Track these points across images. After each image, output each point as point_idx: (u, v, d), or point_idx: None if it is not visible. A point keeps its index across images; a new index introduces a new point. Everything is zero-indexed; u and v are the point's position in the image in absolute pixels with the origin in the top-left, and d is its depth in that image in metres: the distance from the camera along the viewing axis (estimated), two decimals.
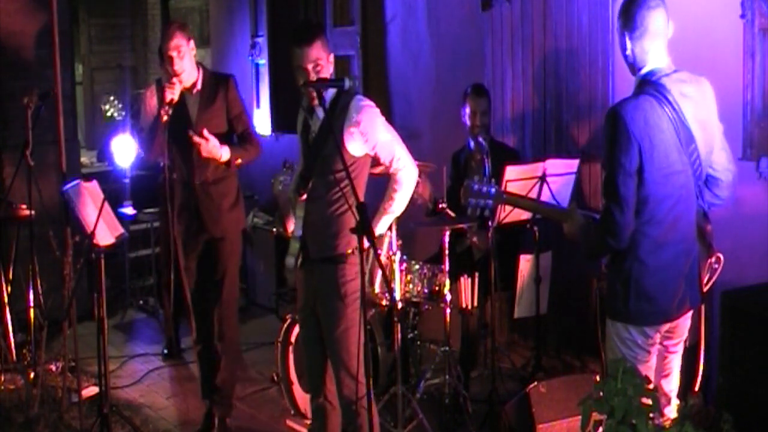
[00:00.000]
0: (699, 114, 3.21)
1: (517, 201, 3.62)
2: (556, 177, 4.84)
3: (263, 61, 7.94)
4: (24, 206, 5.21)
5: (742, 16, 4.46)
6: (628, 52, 3.22)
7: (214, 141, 4.40)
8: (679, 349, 3.41)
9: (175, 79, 4.42)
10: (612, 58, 5.23)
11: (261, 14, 7.94)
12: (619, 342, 3.25)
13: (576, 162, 5.03)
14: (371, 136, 3.61)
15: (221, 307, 4.67)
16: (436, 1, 6.36)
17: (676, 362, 3.42)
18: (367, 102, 3.66)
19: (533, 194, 4.72)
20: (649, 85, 3.17)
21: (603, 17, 5.25)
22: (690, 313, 3.34)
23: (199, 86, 4.56)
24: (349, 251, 3.62)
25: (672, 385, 3.45)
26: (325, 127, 3.59)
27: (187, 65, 4.47)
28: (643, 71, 3.21)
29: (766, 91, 4.44)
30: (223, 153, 4.45)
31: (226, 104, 4.58)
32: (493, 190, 3.37)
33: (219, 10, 8.62)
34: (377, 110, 3.66)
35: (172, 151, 4.60)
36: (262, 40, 7.95)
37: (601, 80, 5.31)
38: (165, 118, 4.37)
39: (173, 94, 4.38)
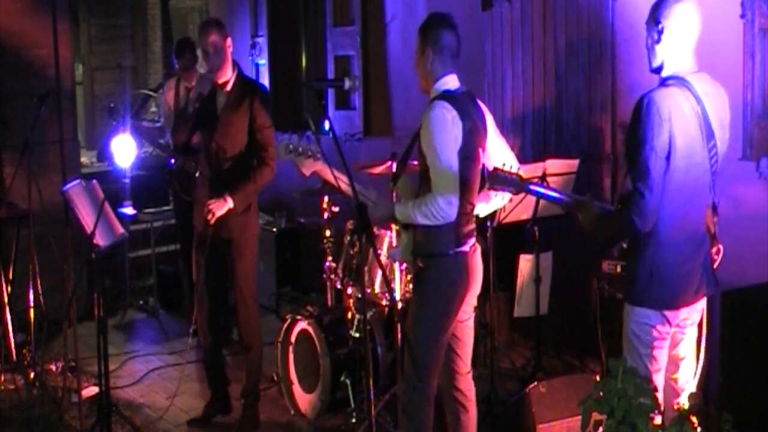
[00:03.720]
0: (718, 113, 3.31)
1: (535, 192, 3.60)
2: (556, 177, 4.84)
3: (263, 61, 7.94)
4: (24, 206, 5.22)
5: (742, 16, 4.46)
6: (659, 45, 3.29)
7: (215, 207, 4.53)
8: (691, 333, 3.47)
9: (206, 74, 4.72)
10: (612, 58, 5.24)
11: (261, 14, 7.94)
12: (637, 328, 3.32)
13: (576, 162, 5.03)
14: (422, 137, 3.59)
15: (240, 308, 4.78)
16: (436, 1, 6.35)
17: (688, 347, 3.48)
18: (438, 105, 3.56)
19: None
20: (674, 80, 3.26)
21: (603, 17, 5.25)
22: (704, 300, 3.43)
23: (229, 87, 4.65)
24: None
25: (685, 372, 3.50)
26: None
27: (221, 62, 4.59)
28: (669, 70, 3.29)
29: (766, 91, 4.45)
30: (229, 205, 4.56)
31: (250, 113, 4.60)
32: (513, 178, 3.42)
33: (219, 10, 8.62)
34: (436, 114, 3.54)
35: (200, 142, 4.80)
36: (262, 40, 7.95)
37: (601, 80, 5.32)
38: (190, 109, 4.71)
39: (201, 88, 4.68)
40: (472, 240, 3.73)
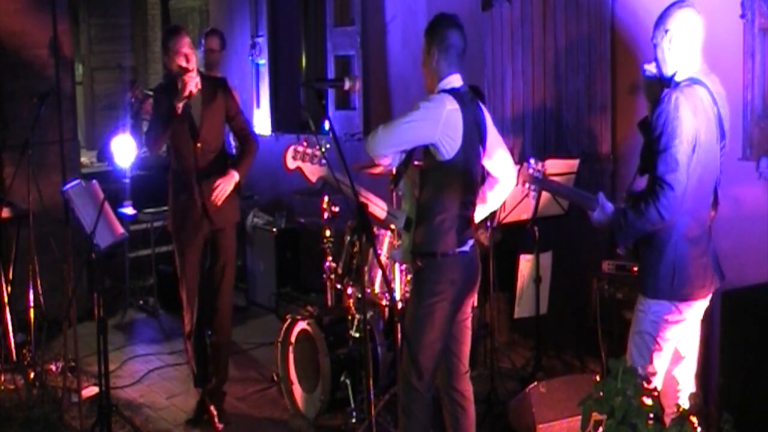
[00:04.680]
0: (727, 115, 3.45)
1: (555, 189, 3.80)
2: (556, 177, 4.84)
3: (263, 61, 7.94)
4: (24, 206, 5.22)
5: (742, 16, 4.46)
6: (670, 52, 3.38)
7: (225, 183, 4.69)
8: (695, 329, 3.55)
9: (191, 74, 4.64)
10: (612, 58, 5.23)
11: (261, 14, 7.94)
12: (652, 321, 3.40)
13: (576, 162, 5.03)
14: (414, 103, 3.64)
15: (221, 298, 4.87)
16: (437, 1, 6.35)
17: (691, 345, 3.56)
18: (442, 95, 3.61)
19: (533, 194, 4.71)
20: (692, 81, 3.35)
21: (603, 17, 5.25)
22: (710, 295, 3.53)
23: (198, 86, 4.72)
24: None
25: (685, 370, 3.57)
26: None
27: (194, 65, 4.73)
28: (684, 74, 3.37)
29: (766, 91, 4.45)
30: (236, 178, 4.74)
31: (225, 104, 4.82)
32: (539, 175, 3.57)
33: (219, 10, 8.62)
34: (437, 99, 3.58)
35: (171, 148, 4.86)
36: (262, 40, 7.95)
37: (601, 80, 5.32)
38: (180, 110, 4.61)
39: (192, 87, 4.60)
40: (472, 241, 3.74)
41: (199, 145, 4.71)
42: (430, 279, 3.64)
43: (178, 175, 4.81)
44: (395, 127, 3.55)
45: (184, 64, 4.66)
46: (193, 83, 4.60)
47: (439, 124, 3.53)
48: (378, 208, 3.83)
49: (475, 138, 3.64)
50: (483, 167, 3.78)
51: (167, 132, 4.70)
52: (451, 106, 3.55)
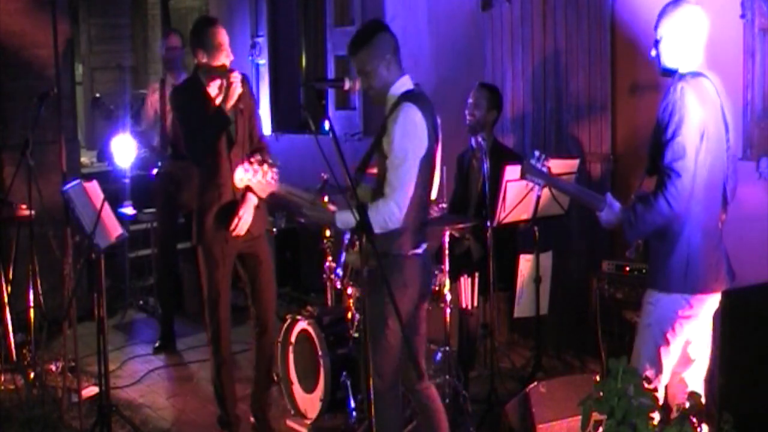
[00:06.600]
0: (729, 112, 3.45)
1: (562, 187, 3.81)
2: (557, 177, 4.83)
3: (263, 61, 7.94)
4: (24, 206, 5.22)
5: (742, 16, 4.46)
6: (673, 45, 3.39)
7: (245, 212, 4.41)
8: (706, 330, 3.54)
9: (236, 73, 4.36)
10: (612, 58, 5.23)
11: (261, 14, 7.94)
12: (663, 316, 3.38)
13: (576, 162, 5.02)
14: (390, 138, 3.50)
15: (267, 309, 4.68)
16: (437, 1, 6.35)
17: (701, 347, 3.56)
18: (407, 108, 3.49)
19: (533, 194, 4.72)
20: (696, 74, 3.36)
21: (603, 17, 5.25)
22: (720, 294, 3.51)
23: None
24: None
25: (695, 372, 3.58)
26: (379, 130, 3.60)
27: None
28: (687, 68, 3.37)
29: (766, 91, 4.45)
30: (254, 201, 4.43)
31: (249, 105, 4.53)
32: (545, 170, 3.57)
33: (219, 10, 8.62)
34: (407, 117, 3.47)
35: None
36: (262, 40, 7.95)
37: (601, 80, 5.32)
38: (229, 111, 4.35)
39: (239, 88, 4.34)
40: (425, 245, 3.71)
41: (234, 150, 4.39)
42: (385, 280, 3.61)
43: (208, 180, 4.44)
44: (406, 180, 3.45)
45: (227, 60, 4.36)
46: (238, 83, 4.31)
47: (422, 135, 3.49)
48: (296, 198, 3.72)
49: (432, 139, 3.58)
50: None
51: (219, 139, 4.35)
52: (416, 115, 3.48)
